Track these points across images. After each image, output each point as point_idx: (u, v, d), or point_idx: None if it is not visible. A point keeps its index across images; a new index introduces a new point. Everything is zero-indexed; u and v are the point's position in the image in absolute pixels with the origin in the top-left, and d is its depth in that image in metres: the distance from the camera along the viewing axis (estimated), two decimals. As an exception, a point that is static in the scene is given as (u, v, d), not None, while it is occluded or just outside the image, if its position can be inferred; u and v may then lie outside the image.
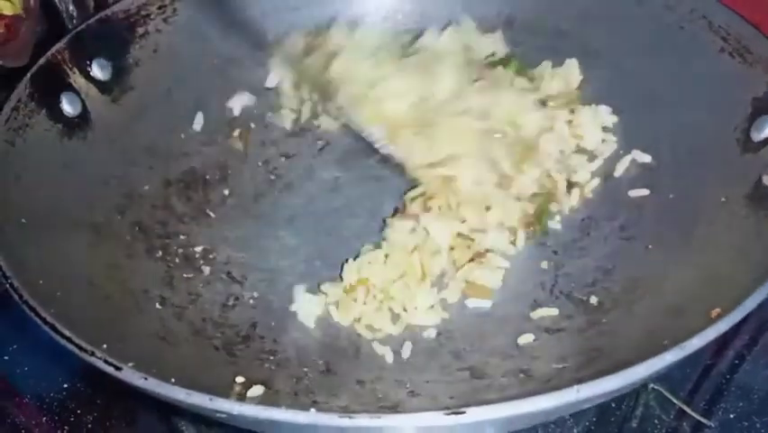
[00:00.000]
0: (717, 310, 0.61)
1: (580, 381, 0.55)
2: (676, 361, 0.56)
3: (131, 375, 0.56)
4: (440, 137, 0.85)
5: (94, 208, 0.85)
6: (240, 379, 0.72)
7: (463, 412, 0.50)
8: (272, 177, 0.97)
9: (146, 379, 0.56)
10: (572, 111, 0.95)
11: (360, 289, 0.80)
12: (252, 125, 1.02)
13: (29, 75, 0.84)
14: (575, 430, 0.79)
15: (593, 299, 0.81)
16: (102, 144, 0.89)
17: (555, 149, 0.90)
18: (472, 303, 0.82)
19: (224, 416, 0.54)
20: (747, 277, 0.65)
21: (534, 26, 1.05)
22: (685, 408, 0.79)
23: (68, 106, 0.87)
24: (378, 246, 0.84)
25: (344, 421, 0.50)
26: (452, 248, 0.84)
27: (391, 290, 0.80)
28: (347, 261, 0.83)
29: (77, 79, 0.89)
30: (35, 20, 1.01)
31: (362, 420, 0.50)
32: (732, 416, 0.79)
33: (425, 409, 0.66)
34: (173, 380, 0.58)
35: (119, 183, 0.89)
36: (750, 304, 0.60)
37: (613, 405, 0.80)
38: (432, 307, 0.80)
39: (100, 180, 0.87)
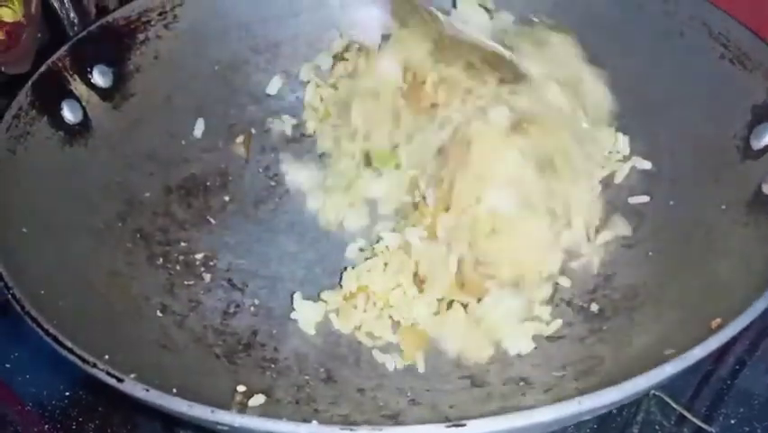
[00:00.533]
0: (718, 321, 0.62)
1: (580, 390, 0.55)
2: (678, 372, 0.56)
3: (132, 387, 0.56)
4: None
5: (95, 216, 0.84)
6: (241, 388, 0.72)
7: (464, 425, 0.50)
8: (272, 183, 0.97)
9: (148, 391, 0.56)
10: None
11: (360, 296, 0.80)
12: (253, 131, 1.02)
13: (30, 82, 0.84)
14: (576, 437, 0.79)
15: (594, 307, 0.81)
16: (103, 151, 0.89)
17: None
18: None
19: (225, 428, 0.54)
20: (748, 285, 0.65)
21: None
22: (686, 413, 0.79)
23: (69, 114, 0.86)
24: (374, 253, 0.84)
25: (345, 433, 0.50)
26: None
27: (390, 298, 0.80)
28: (346, 268, 0.83)
29: (78, 86, 0.89)
30: (36, 27, 1.01)
31: None
32: (733, 421, 0.80)
33: (425, 418, 0.67)
34: (174, 390, 0.58)
35: (120, 190, 0.89)
36: (751, 314, 0.60)
37: (614, 411, 0.80)
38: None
39: (101, 187, 0.87)
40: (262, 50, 1.06)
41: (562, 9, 1.01)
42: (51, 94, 0.85)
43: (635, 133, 0.94)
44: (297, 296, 0.82)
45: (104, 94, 0.92)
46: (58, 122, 0.85)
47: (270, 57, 1.07)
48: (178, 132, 0.99)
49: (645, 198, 0.89)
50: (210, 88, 1.02)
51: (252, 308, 0.83)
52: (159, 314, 0.80)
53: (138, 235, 0.87)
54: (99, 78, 0.92)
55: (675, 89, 0.91)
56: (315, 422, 0.52)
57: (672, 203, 0.86)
